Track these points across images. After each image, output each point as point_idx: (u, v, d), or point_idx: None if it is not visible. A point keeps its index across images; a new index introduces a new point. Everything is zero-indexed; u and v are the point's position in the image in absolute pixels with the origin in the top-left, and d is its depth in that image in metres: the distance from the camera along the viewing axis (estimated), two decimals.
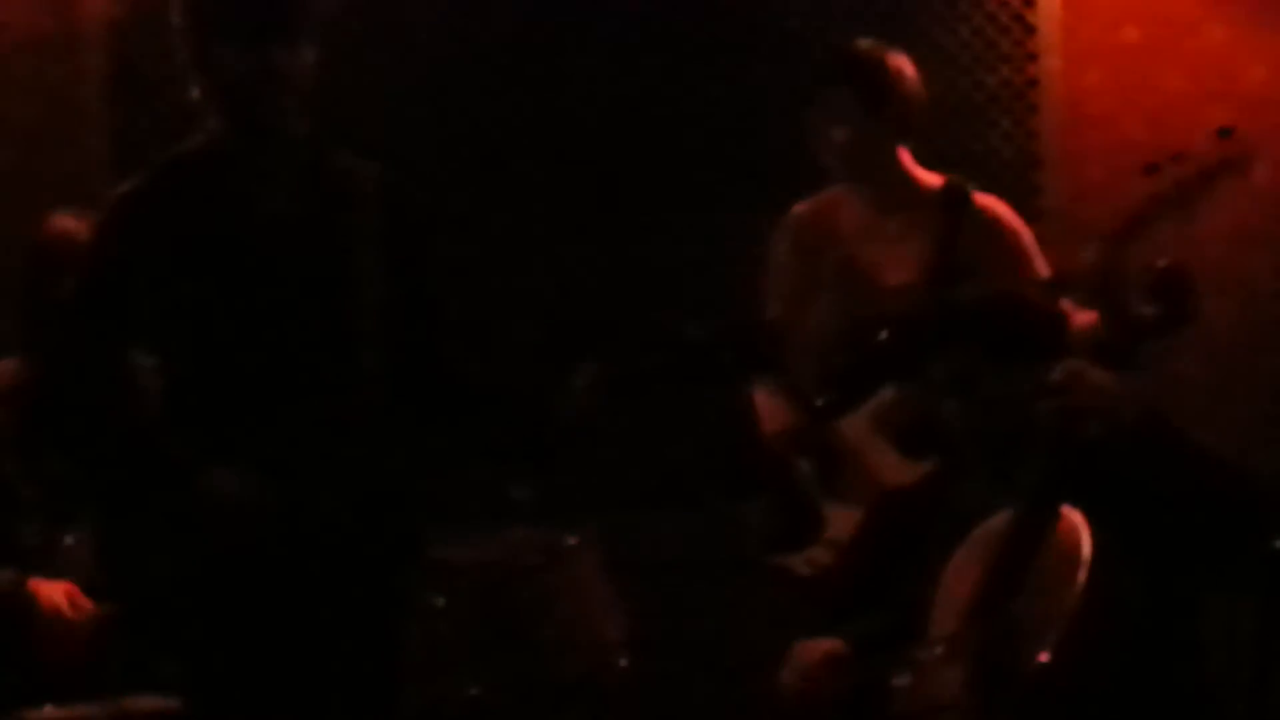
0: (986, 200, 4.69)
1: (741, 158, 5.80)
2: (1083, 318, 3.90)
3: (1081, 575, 3.40)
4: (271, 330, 3.63)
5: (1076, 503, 3.51)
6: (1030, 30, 5.94)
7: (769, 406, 4.73)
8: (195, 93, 3.67)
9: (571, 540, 4.65)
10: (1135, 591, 3.46)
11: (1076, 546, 3.45)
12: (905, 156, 4.68)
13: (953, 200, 4.65)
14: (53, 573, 4.04)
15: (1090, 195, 5.69)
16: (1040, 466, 3.58)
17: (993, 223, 4.66)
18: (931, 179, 4.70)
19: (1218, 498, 3.53)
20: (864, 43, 4.69)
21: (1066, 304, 4.00)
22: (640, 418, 4.59)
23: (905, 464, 4.51)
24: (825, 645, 3.86)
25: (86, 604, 3.87)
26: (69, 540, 4.13)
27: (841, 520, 4.53)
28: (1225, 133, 4.33)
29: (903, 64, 4.66)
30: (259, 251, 3.65)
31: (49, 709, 4.08)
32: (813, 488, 4.60)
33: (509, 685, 4.50)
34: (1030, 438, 3.61)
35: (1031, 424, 3.60)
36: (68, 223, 4.42)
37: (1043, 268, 4.65)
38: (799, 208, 4.82)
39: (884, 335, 4.52)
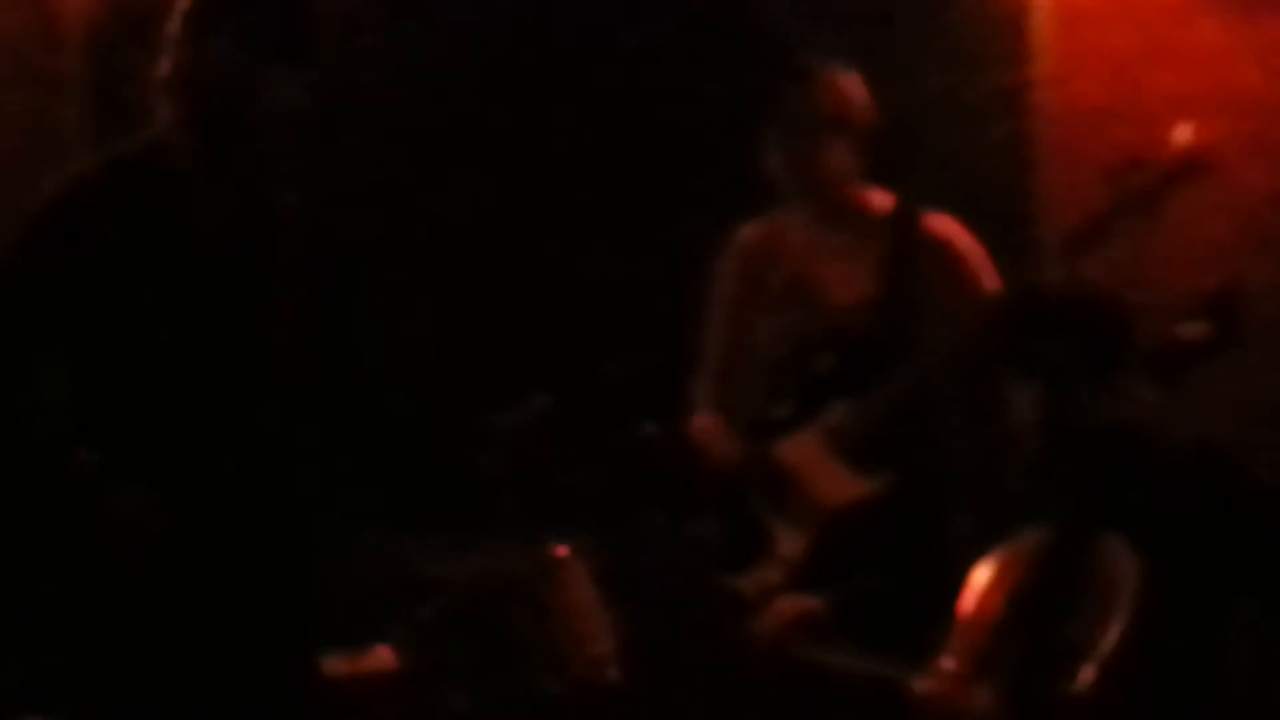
0: (937, 219, 4.72)
1: (706, 172, 5.76)
2: None
3: (1127, 602, 3.37)
4: (185, 349, 3.59)
5: (1122, 528, 3.47)
6: (1023, 32, 5.92)
7: (710, 433, 4.77)
8: (159, 78, 3.61)
9: (561, 551, 4.62)
10: (1176, 619, 3.43)
11: (1124, 574, 3.42)
12: (853, 182, 4.70)
13: (902, 220, 4.67)
14: None
15: (1084, 198, 5.64)
16: (1082, 484, 3.55)
17: (943, 241, 4.69)
18: (881, 198, 4.73)
19: (1268, 532, 3.50)
20: (814, 62, 4.70)
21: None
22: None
23: (856, 480, 4.53)
24: (803, 602, 3.86)
25: None
26: None
27: (790, 539, 4.53)
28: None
29: (853, 84, 4.69)
30: (177, 269, 3.61)
31: None
32: (761, 507, 4.61)
33: (498, 698, 4.49)
34: (1075, 453, 3.59)
35: (1079, 440, 3.57)
36: None
37: (995, 283, 4.65)
38: (747, 228, 4.85)
39: (828, 361, 4.59)
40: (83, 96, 5.98)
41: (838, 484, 4.54)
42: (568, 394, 3.83)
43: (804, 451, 4.57)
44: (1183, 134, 4.36)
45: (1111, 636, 3.38)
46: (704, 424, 4.81)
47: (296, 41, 3.61)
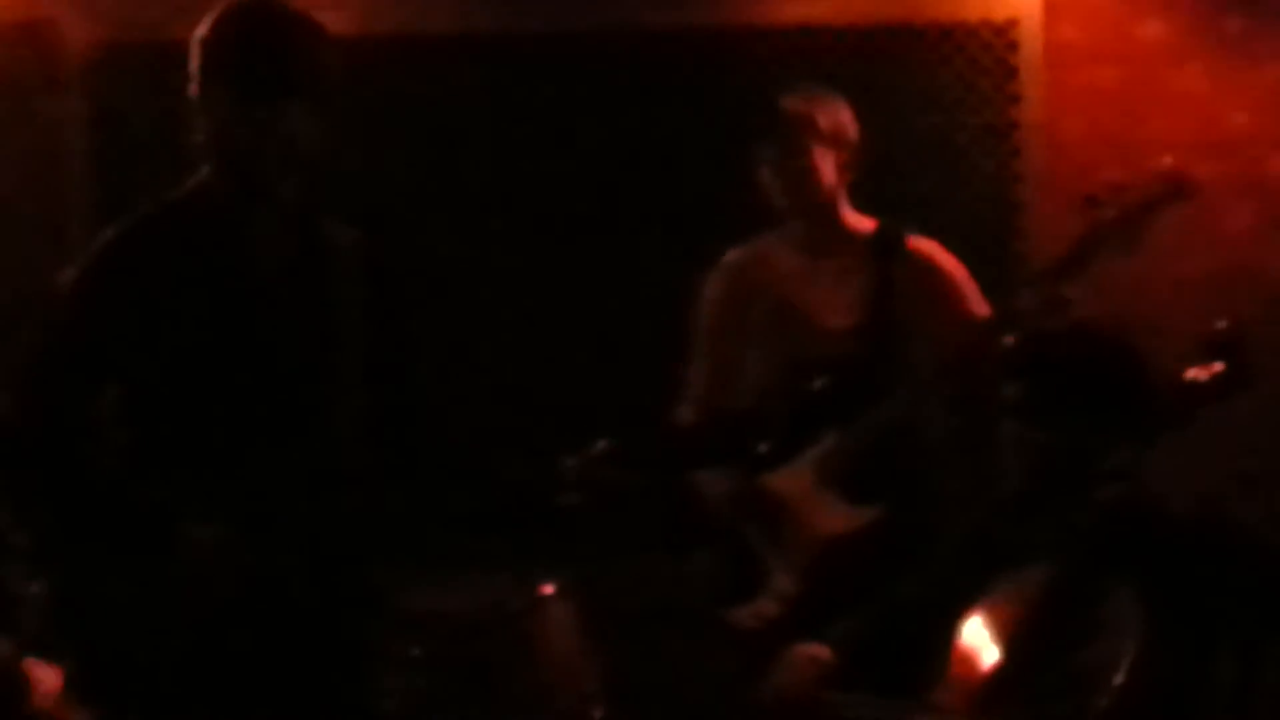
0: (921, 243, 4.72)
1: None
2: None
3: (1133, 643, 3.37)
4: (248, 386, 3.62)
5: (1129, 577, 3.47)
6: (1011, 73, 5.96)
7: (705, 472, 4.74)
8: (197, 137, 3.67)
9: (548, 588, 4.63)
10: (1178, 669, 3.43)
11: (1128, 615, 3.41)
12: (840, 201, 4.69)
13: (886, 244, 4.68)
14: (12, 623, 4.01)
15: (1071, 238, 5.67)
16: (1085, 526, 3.54)
17: (928, 265, 4.69)
18: (864, 223, 4.73)
19: (1253, 578, 3.50)
20: (801, 88, 4.70)
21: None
22: None
23: (850, 511, 4.53)
24: (813, 650, 3.85)
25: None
26: (35, 589, 4.10)
27: (785, 571, 4.55)
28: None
29: (839, 110, 4.68)
30: (240, 308, 3.64)
31: None
32: (757, 540, 4.61)
33: None
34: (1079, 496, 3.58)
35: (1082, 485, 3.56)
36: None
37: (981, 307, 4.65)
38: (731, 254, 4.83)
39: (820, 383, 4.57)
40: (82, 137, 6.01)
41: (831, 515, 4.54)
42: (632, 436, 3.82)
43: (795, 483, 4.57)
44: (1163, 162, 4.37)
45: (1118, 677, 3.37)
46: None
47: (299, 84, 3.63)
